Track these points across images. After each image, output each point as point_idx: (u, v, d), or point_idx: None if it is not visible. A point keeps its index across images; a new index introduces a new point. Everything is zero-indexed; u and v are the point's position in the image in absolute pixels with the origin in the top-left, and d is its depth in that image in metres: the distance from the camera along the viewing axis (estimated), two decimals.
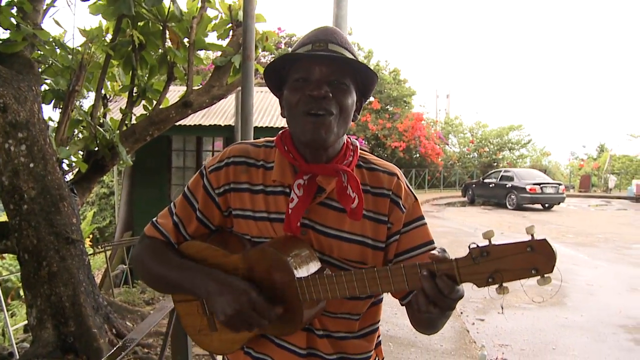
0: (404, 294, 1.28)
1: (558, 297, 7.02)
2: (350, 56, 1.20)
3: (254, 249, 1.20)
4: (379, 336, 1.38)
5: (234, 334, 1.21)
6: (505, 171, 20.99)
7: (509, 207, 19.36)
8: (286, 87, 1.23)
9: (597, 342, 5.27)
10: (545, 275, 0.94)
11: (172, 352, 1.88)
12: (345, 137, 1.29)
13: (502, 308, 6.19)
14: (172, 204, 1.35)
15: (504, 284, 0.97)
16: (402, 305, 1.30)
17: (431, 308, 1.03)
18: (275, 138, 1.32)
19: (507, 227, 14.37)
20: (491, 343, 5.15)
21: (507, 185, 19.50)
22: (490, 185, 20.55)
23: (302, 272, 1.13)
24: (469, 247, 0.99)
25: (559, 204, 19.79)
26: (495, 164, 29.61)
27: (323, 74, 1.18)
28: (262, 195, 1.25)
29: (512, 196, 19.26)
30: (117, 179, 16.83)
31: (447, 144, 30.97)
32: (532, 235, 0.96)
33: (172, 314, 1.80)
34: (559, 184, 20.02)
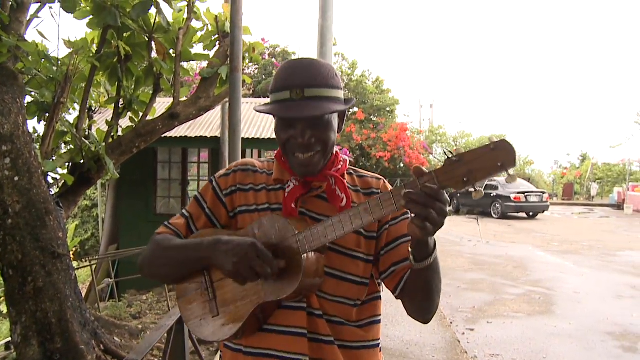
0: (398, 280, 1.35)
1: (546, 305, 7.05)
2: (328, 92, 1.30)
3: (257, 220, 1.32)
4: (378, 339, 1.43)
5: (234, 314, 1.28)
6: (489, 180, 21.15)
7: (494, 215, 19.50)
8: (276, 123, 1.36)
9: (586, 350, 5.29)
10: (510, 171, 1.07)
11: None
12: (335, 149, 1.42)
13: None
14: (183, 209, 1.50)
15: (477, 187, 1.10)
16: (396, 298, 1.39)
17: (428, 215, 1.10)
18: (275, 154, 1.48)
19: (493, 236, 14.46)
20: (482, 353, 5.14)
21: (492, 194, 19.64)
22: None
23: (300, 230, 1.25)
24: (446, 156, 1.12)
25: (543, 212, 20.00)
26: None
27: (304, 124, 1.30)
28: (264, 192, 1.40)
29: (497, 205, 19.40)
30: (101, 191, 16.63)
31: (432, 154, 31.16)
32: (492, 140, 1.09)
33: (169, 332, 1.76)
34: (543, 193, 20.24)
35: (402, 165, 26.86)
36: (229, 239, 1.26)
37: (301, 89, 1.28)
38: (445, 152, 1.13)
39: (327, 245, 1.28)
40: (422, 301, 1.33)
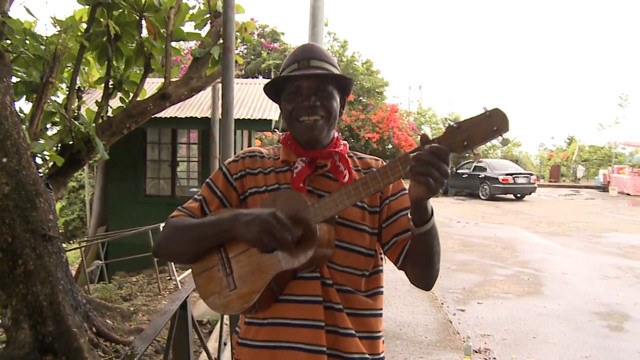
0: (400, 251, 1.44)
1: (535, 286, 7.14)
2: (330, 67, 1.47)
3: (272, 195, 1.40)
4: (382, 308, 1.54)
5: (251, 285, 1.34)
6: (478, 162, 21.25)
7: (482, 197, 19.63)
8: (282, 99, 1.50)
9: (574, 330, 5.36)
10: (504, 136, 1.16)
11: (174, 352, 1.82)
12: (335, 133, 1.56)
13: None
14: (195, 195, 1.57)
15: (476, 150, 1.21)
16: (399, 268, 1.48)
17: (431, 172, 1.18)
18: (281, 140, 1.58)
19: (482, 217, 14.58)
20: (473, 333, 5.19)
21: (480, 176, 19.75)
22: (464, 176, 20.77)
23: (313, 201, 1.34)
24: (447, 126, 1.22)
25: (530, 193, 20.15)
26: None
27: (310, 88, 1.44)
28: (273, 174, 1.49)
29: (485, 186, 19.52)
30: (88, 172, 16.47)
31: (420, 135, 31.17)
32: (486, 109, 1.18)
33: (173, 318, 1.75)
34: (531, 174, 20.39)
35: (390, 146, 26.91)
36: (249, 211, 1.34)
37: (307, 60, 1.46)
38: (446, 120, 1.19)
39: (336, 219, 1.37)
40: (424, 267, 1.41)
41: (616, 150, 27.86)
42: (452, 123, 1.23)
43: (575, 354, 4.72)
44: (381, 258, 1.51)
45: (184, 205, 1.53)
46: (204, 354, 3.46)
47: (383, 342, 1.52)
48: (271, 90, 1.54)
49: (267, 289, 1.33)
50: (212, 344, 4.12)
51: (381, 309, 1.50)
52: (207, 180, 1.55)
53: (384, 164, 1.47)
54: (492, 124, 1.16)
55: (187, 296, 2.25)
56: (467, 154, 1.25)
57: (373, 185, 1.27)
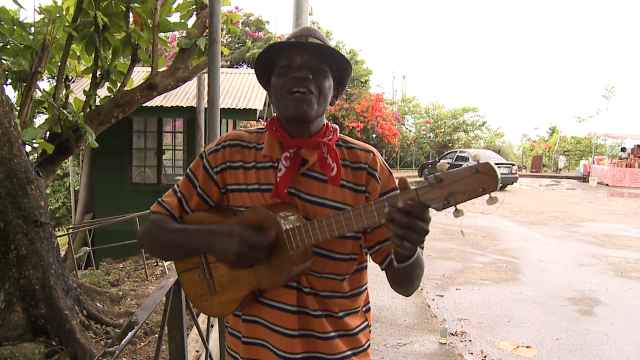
0: (383, 257, 1.43)
1: (512, 273, 7.38)
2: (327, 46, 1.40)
3: (248, 210, 1.36)
4: (367, 303, 1.55)
5: (230, 294, 1.37)
6: (460, 152, 21.53)
7: None
8: (273, 75, 1.42)
9: (547, 314, 5.60)
10: (492, 195, 1.08)
11: (169, 326, 1.97)
12: (325, 119, 1.48)
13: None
14: (175, 185, 1.52)
15: (459, 207, 1.11)
16: (382, 269, 1.47)
17: (406, 235, 1.13)
18: (265, 124, 1.49)
19: (463, 206, 14.83)
20: (450, 317, 5.40)
21: (463, 166, 19.94)
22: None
23: (289, 226, 1.29)
24: (426, 178, 1.14)
25: (512, 183, 20.48)
26: (451, 144, 30.29)
27: (304, 60, 1.37)
28: (253, 171, 1.42)
29: None
30: (72, 160, 16.43)
31: (404, 125, 31.40)
32: (478, 162, 1.11)
33: (168, 294, 1.89)
34: (512, 164, 20.69)
35: (374, 135, 27.08)
36: (220, 231, 1.33)
37: (305, 37, 1.41)
38: (426, 175, 1.14)
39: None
40: (403, 285, 1.42)
41: (597, 142, 28.36)
42: (436, 174, 1.13)
43: (547, 336, 4.95)
44: (366, 253, 1.49)
45: (163, 198, 1.50)
46: (194, 330, 3.61)
47: (368, 331, 1.53)
48: (263, 68, 1.47)
49: (248, 294, 1.36)
50: (200, 325, 4.27)
51: (359, 306, 1.49)
52: (187, 171, 1.51)
53: (374, 158, 1.44)
54: (480, 182, 1.08)
55: None
56: (445, 212, 1.15)
57: (347, 225, 1.23)
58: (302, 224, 1.28)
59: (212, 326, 3.52)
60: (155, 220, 1.46)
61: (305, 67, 1.36)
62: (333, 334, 1.40)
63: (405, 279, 1.38)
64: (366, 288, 1.53)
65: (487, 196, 1.09)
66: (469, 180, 1.09)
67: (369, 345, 1.51)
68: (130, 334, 1.50)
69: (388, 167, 1.47)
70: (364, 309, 1.53)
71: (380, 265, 1.46)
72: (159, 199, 1.51)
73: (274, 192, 1.35)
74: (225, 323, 1.53)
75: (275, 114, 1.49)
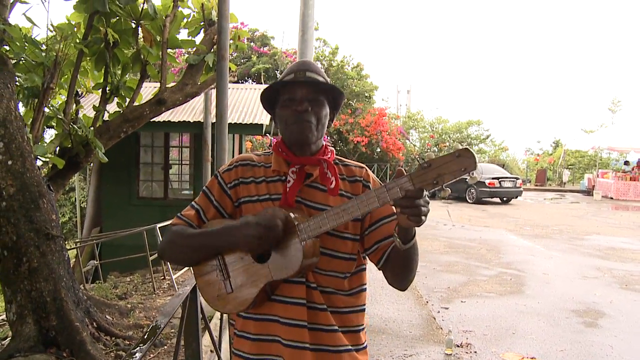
0: (380, 256, 1.60)
1: (517, 286, 7.40)
2: (323, 80, 1.60)
3: (262, 210, 1.52)
4: (364, 304, 1.68)
5: (246, 291, 1.50)
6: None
7: (469, 200, 19.96)
8: (278, 107, 1.64)
9: (552, 326, 5.62)
10: (473, 174, 1.28)
11: (185, 336, 2.03)
12: (323, 141, 1.69)
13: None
14: (192, 202, 1.69)
15: (445, 187, 1.33)
16: (378, 269, 1.63)
17: (409, 213, 1.33)
18: (272, 147, 1.71)
19: (468, 220, 14.86)
20: (456, 329, 5.43)
21: (467, 180, 19.98)
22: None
23: (298, 220, 1.47)
24: (419, 163, 1.35)
25: (516, 197, 20.51)
26: (437, 190, 30.15)
27: (303, 94, 1.59)
28: (264, 184, 1.62)
29: (472, 190, 19.84)
30: (78, 175, 16.55)
31: (408, 139, 31.46)
32: (458, 148, 1.30)
33: (185, 302, 1.95)
34: (517, 178, 20.72)
35: (379, 150, 27.12)
36: (237, 224, 1.48)
37: (304, 72, 1.60)
38: (418, 160, 1.33)
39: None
40: (402, 273, 1.57)
41: (601, 155, 28.36)
42: (423, 161, 1.34)
43: (552, 348, 4.97)
44: (363, 257, 1.66)
45: (183, 213, 1.66)
46: (205, 337, 3.67)
47: (365, 332, 1.67)
48: (267, 98, 1.67)
49: (262, 291, 1.49)
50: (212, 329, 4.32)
51: (363, 305, 1.66)
52: (204, 188, 1.68)
53: (367, 172, 1.67)
54: (461, 164, 1.28)
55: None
56: (437, 190, 1.38)
57: (352, 212, 1.41)
58: (309, 219, 1.46)
59: (223, 328, 3.57)
60: (176, 230, 1.61)
61: (305, 100, 1.57)
62: (337, 327, 1.56)
63: (405, 266, 1.54)
64: (366, 288, 1.68)
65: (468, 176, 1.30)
66: (452, 163, 1.29)
67: (366, 345, 1.66)
68: (153, 338, 1.56)
69: (378, 180, 1.69)
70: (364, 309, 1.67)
71: (377, 264, 1.62)
72: (179, 214, 1.67)
73: (283, 200, 1.55)
74: (234, 330, 1.65)
75: (280, 135, 1.68)
